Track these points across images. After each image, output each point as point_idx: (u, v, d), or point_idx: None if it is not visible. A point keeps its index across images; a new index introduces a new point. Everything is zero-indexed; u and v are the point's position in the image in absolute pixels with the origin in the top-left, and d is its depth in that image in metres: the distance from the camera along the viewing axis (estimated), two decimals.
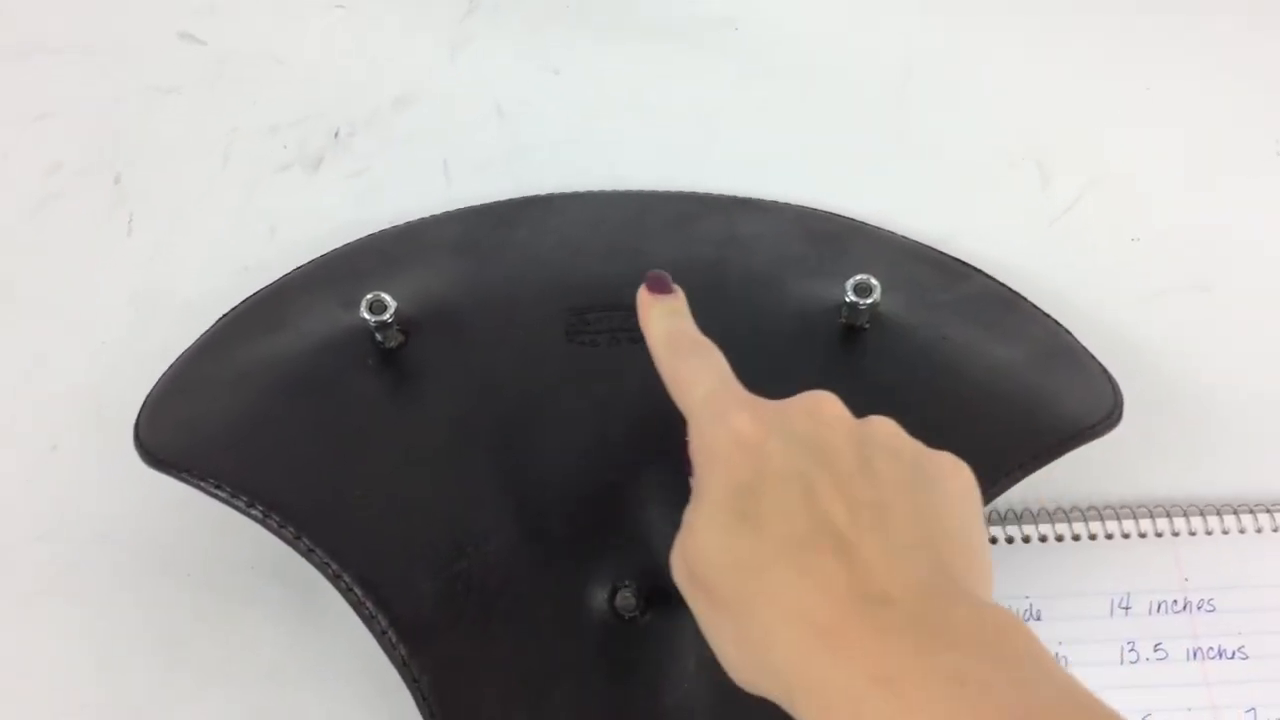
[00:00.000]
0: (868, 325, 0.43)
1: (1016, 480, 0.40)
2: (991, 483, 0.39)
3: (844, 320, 0.43)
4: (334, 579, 0.39)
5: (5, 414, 0.49)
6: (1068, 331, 0.46)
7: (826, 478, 0.31)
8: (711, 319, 0.43)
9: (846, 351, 0.42)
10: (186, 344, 0.47)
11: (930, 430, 0.40)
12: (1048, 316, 0.47)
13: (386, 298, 0.42)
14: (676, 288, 0.38)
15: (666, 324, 0.37)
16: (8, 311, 0.51)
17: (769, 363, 0.42)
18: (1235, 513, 0.45)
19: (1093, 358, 0.45)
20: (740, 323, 0.43)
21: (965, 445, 0.40)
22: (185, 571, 0.45)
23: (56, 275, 0.52)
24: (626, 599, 0.38)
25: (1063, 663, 0.43)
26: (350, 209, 0.53)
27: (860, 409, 0.41)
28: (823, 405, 0.33)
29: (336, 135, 0.56)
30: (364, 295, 0.42)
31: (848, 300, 0.42)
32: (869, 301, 0.41)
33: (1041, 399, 0.42)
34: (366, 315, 0.41)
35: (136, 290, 0.51)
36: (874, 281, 0.41)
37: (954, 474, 0.33)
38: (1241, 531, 0.45)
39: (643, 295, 0.38)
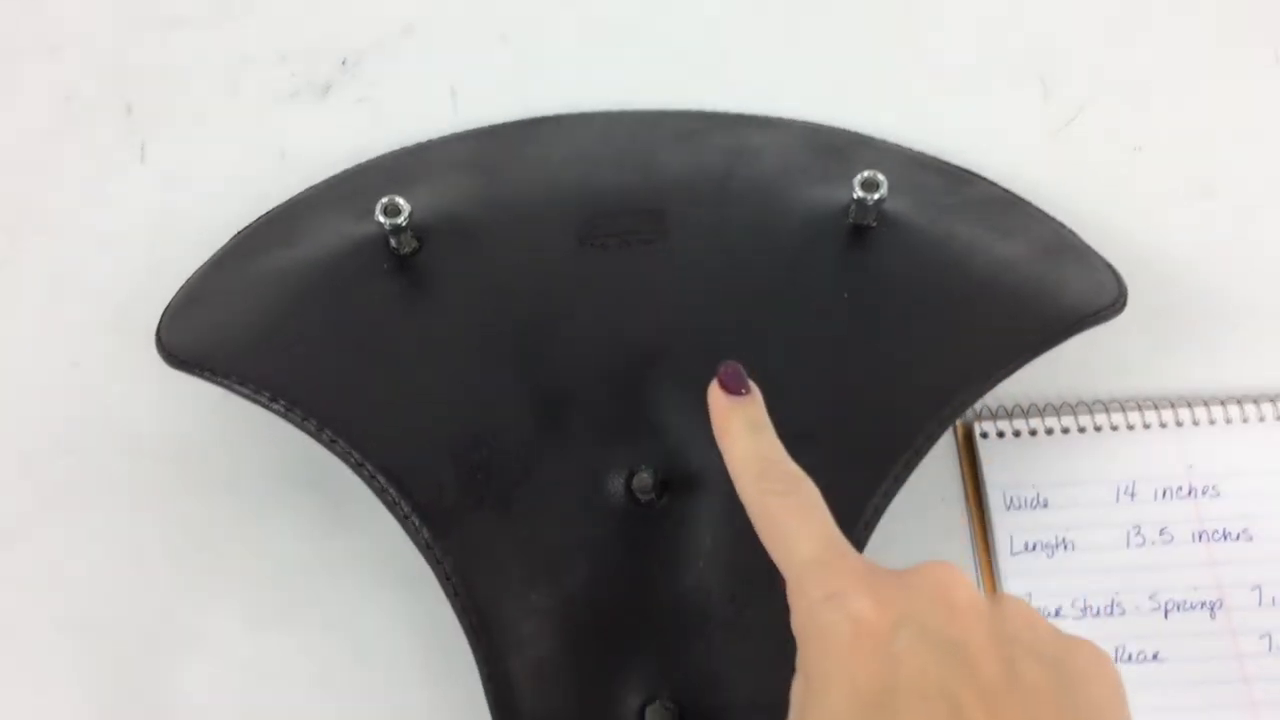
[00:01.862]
0: (875, 224, 0.43)
1: (1025, 362, 0.41)
2: (1001, 365, 0.40)
3: (852, 220, 0.44)
4: (356, 467, 0.39)
5: (26, 334, 0.50)
6: (1071, 231, 0.47)
7: (972, 695, 0.27)
8: (722, 225, 0.44)
9: (856, 249, 0.43)
10: (202, 264, 0.48)
11: (941, 320, 0.42)
12: (1051, 218, 0.47)
13: (401, 201, 0.42)
14: (753, 386, 0.34)
15: (752, 446, 0.33)
16: (27, 237, 0.52)
17: (781, 263, 0.43)
18: (1239, 403, 0.46)
19: (1096, 253, 0.45)
20: (750, 227, 0.44)
21: (975, 332, 0.41)
22: (209, 480, 0.46)
23: (72, 202, 0.53)
24: (643, 480, 0.38)
25: (1069, 547, 0.44)
26: (358, 135, 0.54)
27: (872, 304, 0.42)
28: (954, 589, 0.29)
29: (344, 63, 0.56)
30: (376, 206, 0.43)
31: (856, 197, 0.42)
32: (876, 197, 0.42)
33: (1047, 288, 0.42)
34: (381, 218, 0.42)
35: (151, 215, 0.52)
36: (881, 177, 0.42)
37: (1098, 673, 0.29)
38: (1244, 421, 0.46)
39: (716, 396, 0.34)
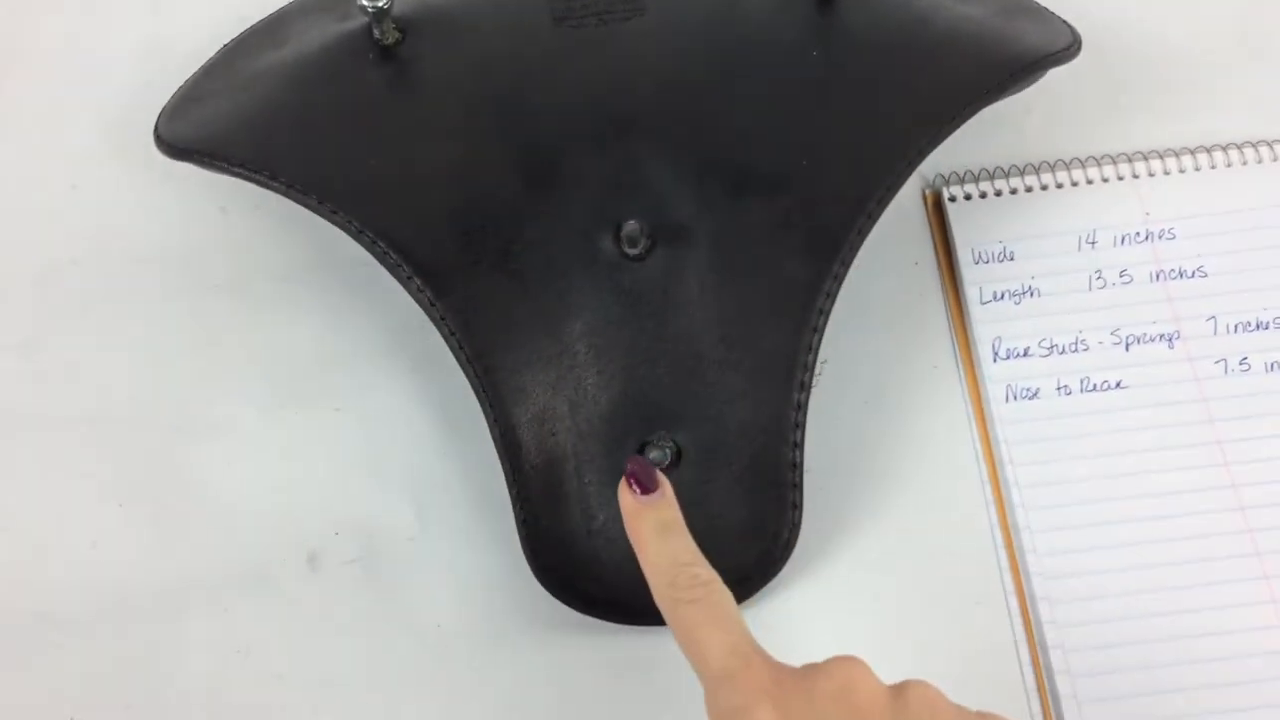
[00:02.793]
0: None
1: (991, 101, 0.43)
2: (966, 105, 0.42)
3: None
4: (357, 235, 0.41)
5: (25, 158, 0.51)
6: None
7: None
8: (692, 3, 0.46)
9: (824, 14, 0.45)
10: (193, 73, 0.49)
11: (907, 68, 0.44)
12: None
13: None
14: (663, 480, 0.35)
15: (663, 550, 0.34)
16: (19, 68, 0.53)
17: (753, 30, 0.45)
18: (1191, 153, 0.48)
19: (1050, 11, 0.47)
20: (720, 3, 0.46)
21: (941, 76, 0.43)
22: (215, 284, 0.48)
23: (62, 33, 0.54)
24: (631, 229, 0.40)
25: (1035, 294, 0.46)
26: None
27: (840, 60, 0.44)
28: (854, 686, 0.30)
29: None
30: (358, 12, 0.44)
31: None
32: None
33: (1006, 36, 0.44)
34: (364, 2, 0.43)
35: (138, 42, 0.53)
36: None
37: None
38: (1197, 170, 0.48)
39: (625, 497, 0.35)
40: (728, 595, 0.33)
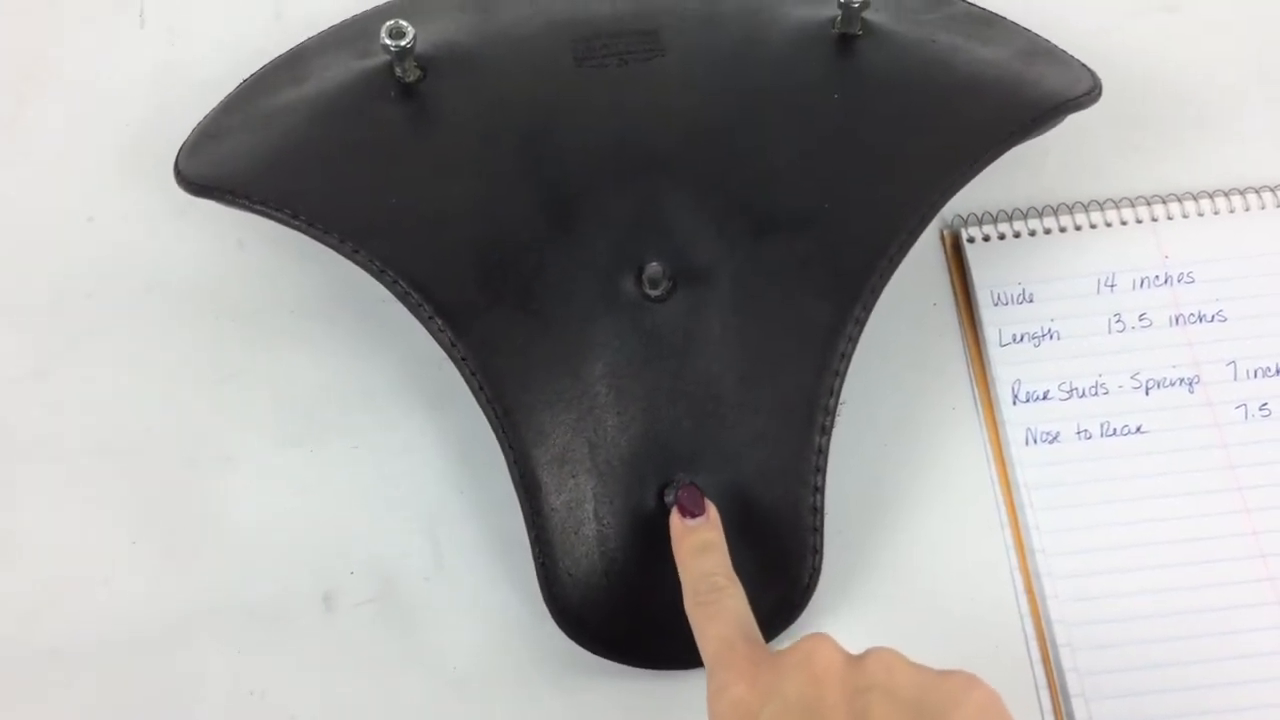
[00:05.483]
0: (860, 32, 0.45)
1: (1012, 145, 0.43)
2: (986, 150, 0.42)
3: (838, 30, 0.45)
4: (379, 274, 0.41)
5: (42, 188, 0.51)
6: (1045, 39, 0.49)
7: None
8: (716, 41, 0.46)
9: (843, 56, 0.45)
10: (212, 108, 0.49)
11: (928, 111, 0.44)
12: (1026, 29, 0.49)
13: (405, 24, 0.44)
14: (709, 505, 0.39)
15: (698, 565, 0.38)
16: (38, 101, 0.53)
17: (774, 71, 0.45)
18: (1210, 196, 0.48)
19: (1069, 55, 0.47)
20: (743, 41, 0.46)
21: (962, 120, 0.43)
22: (231, 316, 0.48)
23: (80, 67, 0.54)
24: (654, 271, 0.40)
25: (1054, 336, 0.46)
26: None
27: (862, 102, 0.44)
28: (814, 655, 0.33)
29: None
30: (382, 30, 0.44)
31: (841, 3, 0.44)
32: (860, 1, 0.44)
33: (1027, 80, 0.45)
34: (387, 41, 0.44)
35: (155, 75, 0.54)
36: None
37: (966, 699, 0.31)
38: (1215, 213, 0.48)
39: (675, 522, 0.39)
40: (738, 598, 0.37)
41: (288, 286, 0.49)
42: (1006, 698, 0.41)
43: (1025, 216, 0.49)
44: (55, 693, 0.42)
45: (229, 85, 0.51)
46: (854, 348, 0.41)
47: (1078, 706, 0.40)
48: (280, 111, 0.46)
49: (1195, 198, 0.48)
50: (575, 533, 0.40)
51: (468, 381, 0.41)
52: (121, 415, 0.46)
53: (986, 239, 0.48)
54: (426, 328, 0.41)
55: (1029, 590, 0.43)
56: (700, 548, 0.38)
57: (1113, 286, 0.47)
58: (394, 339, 0.47)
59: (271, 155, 0.44)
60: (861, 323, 0.41)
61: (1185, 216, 0.48)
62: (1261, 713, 0.40)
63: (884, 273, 0.41)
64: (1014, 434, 0.45)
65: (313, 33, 0.52)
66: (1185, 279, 0.47)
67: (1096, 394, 0.45)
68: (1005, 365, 0.46)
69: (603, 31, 0.46)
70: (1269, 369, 0.45)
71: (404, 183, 0.43)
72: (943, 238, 0.49)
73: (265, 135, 0.45)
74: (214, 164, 0.45)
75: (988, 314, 0.47)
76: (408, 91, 0.45)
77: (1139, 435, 0.45)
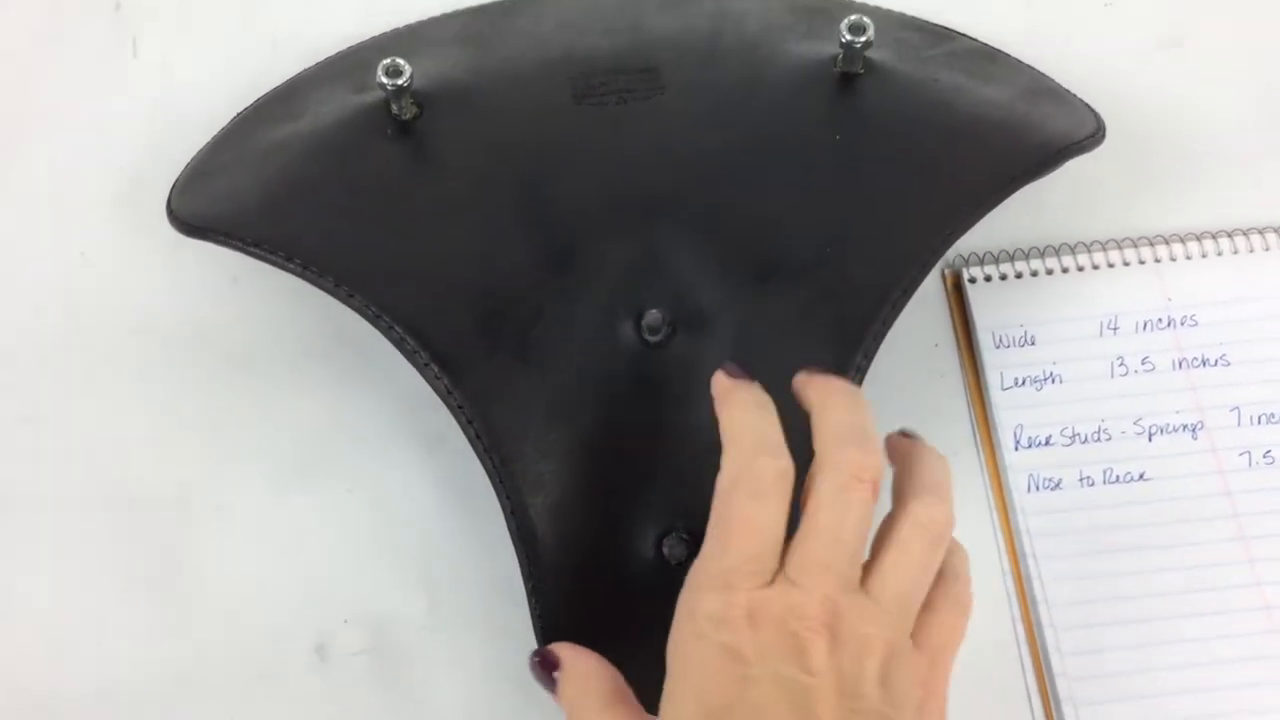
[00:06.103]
0: (862, 70, 0.45)
1: (1015, 189, 0.42)
2: (992, 193, 0.42)
3: (839, 68, 0.45)
4: (374, 320, 0.41)
5: (34, 228, 0.50)
6: (1049, 77, 0.48)
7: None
8: (716, 79, 0.46)
9: (845, 95, 0.44)
10: (205, 144, 0.49)
11: (931, 154, 0.43)
12: (1030, 66, 0.49)
13: (402, 62, 0.43)
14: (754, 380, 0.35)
15: (754, 420, 0.33)
16: (29, 136, 0.52)
17: (775, 111, 0.44)
18: (1213, 238, 0.48)
19: (1073, 94, 0.47)
20: (743, 80, 0.45)
21: (965, 163, 0.43)
22: (223, 359, 0.47)
23: (71, 100, 0.53)
24: (653, 318, 0.40)
25: (1056, 380, 0.46)
26: (350, 21, 0.54)
27: (864, 144, 0.44)
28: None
29: None
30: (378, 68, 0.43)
31: (843, 41, 0.44)
32: (863, 40, 0.43)
33: (1031, 122, 0.44)
34: (384, 79, 0.43)
35: (149, 108, 0.53)
36: (867, 20, 0.43)
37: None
38: (1219, 255, 0.48)
39: (721, 380, 0.35)
40: (784, 507, 0.32)
41: (283, 325, 0.48)
42: None
43: (1027, 257, 0.48)
44: None
45: (224, 117, 0.50)
46: None
47: None
48: (275, 148, 0.45)
49: (1199, 238, 0.48)
50: (572, 584, 0.40)
51: (464, 429, 0.40)
52: (111, 462, 0.46)
53: (988, 279, 0.48)
54: (423, 375, 0.41)
55: (1031, 640, 0.42)
56: (757, 403, 0.34)
57: (1115, 329, 0.47)
58: (390, 380, 0.46)
59: (265, 194, 0.43)
60: (863, 371, 0.40)
61: (1189, 258, 0.48)
62: None
63: (886, 319, 0.41)
64: (1016, 480, 0.44)
65: (310, 63, 0.52)
66: (1189, 322, 0.47)
67: (1099, 440, 0.45)
68: (1007, 410, 0.46)
69: (602, 69, 0.46)
70: (1273, 415, 0.45)
71: (401, 225, 0.42)
72: (944, 277, 0.49)
73: (259, 173, 0.44)
74: (207, 203, 0.44)
75: (989, 357, 0.46)
76: (404, 129, 0.45)
77: (1142, 483, 0.44)
